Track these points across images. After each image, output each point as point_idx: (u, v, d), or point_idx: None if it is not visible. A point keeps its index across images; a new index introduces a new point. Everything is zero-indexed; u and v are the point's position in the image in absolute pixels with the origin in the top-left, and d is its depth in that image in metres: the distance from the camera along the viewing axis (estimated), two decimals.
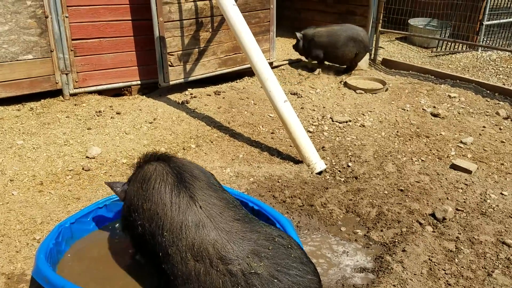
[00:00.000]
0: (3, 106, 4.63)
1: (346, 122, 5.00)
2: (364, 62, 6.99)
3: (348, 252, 2.98)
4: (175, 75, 5.30)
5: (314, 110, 5.30)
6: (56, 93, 4.95)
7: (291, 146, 4.37)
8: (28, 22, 4.55)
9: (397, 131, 4.81)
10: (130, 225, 2.35)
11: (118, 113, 4.75)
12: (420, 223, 3.23)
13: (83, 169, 3.70)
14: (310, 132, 4.73)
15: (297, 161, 4.13)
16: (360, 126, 4.94)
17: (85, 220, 2.80)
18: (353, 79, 6.34)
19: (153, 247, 2.17)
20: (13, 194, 3.27)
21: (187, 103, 5.18)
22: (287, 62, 6.90)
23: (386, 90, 6.08)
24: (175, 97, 5.36)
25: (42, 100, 4.86)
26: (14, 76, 4.62)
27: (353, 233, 3.20)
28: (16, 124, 4.31)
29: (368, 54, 6.96)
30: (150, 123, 4.62)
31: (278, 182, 3.73)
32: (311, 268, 2.07)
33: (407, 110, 5.39)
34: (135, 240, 2.38)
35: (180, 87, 5.54)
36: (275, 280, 1.89)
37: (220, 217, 2.11)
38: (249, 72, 5.97)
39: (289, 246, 2.05)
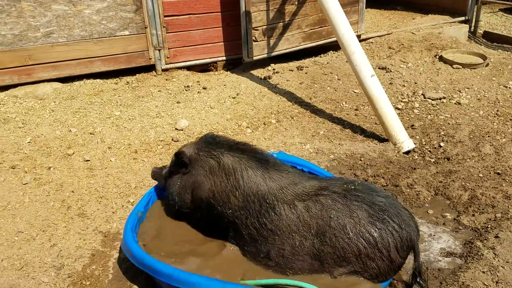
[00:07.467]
0: (103, 79, 5.01)
1: (440, 99, 4.67)
2: (463, 35, 6.42)
3: (434, 235, 2.82)
4: (259, 50, 5.32)
5: (404, 85, 5.01)
6: (149, 68, 5.24)
7: (376, 123, 4.20)
8: None
9: (497, 110, 4.39)
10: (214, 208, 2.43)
11: (204, 88, 4.92)
12: None
13: (172, 140, 3.90)
14: (399, 109, 4.49)
15: (382, 140, 3.96)
16: (455, 103, 4.58)
17: None
18: (450, 53, 5.86)
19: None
20: (111, 160, 3.57)
21: (269, 78, 5.19)
22: (376, 35, 6.54)
23: (487, 65, 5.54)
24: (258, 72, 5.39)
25: (137, 74, 5.17)
26: (112, 51, 4.95)
27: (441, 217, 3.01)
28: (114, 96, 4.66)
29: (467, 26, 6.38)
30: (233, 98, 4.71)
31: (361, 160, 3.62)
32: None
33: (510, 88, 4.88)
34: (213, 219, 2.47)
35: (263, 63, 5.56)
36: (373, 193, 2.19)
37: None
38: (334, 46, 5.79)
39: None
